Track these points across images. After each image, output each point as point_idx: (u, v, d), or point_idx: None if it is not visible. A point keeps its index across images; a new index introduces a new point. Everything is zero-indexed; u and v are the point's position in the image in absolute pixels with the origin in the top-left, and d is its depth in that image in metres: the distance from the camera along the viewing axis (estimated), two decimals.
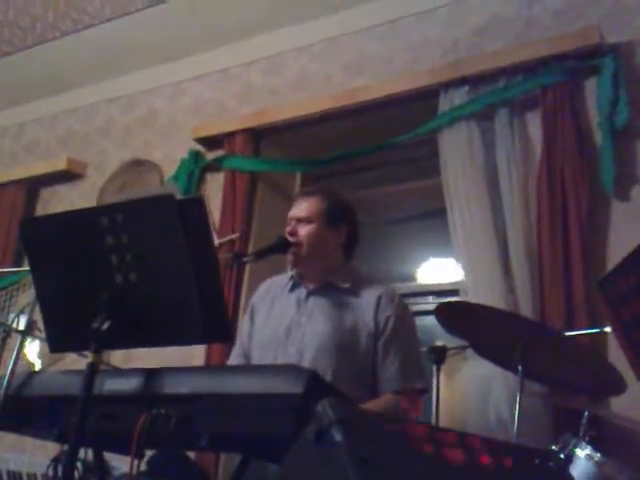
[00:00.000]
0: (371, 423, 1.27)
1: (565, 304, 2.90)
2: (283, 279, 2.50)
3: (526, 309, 2.98)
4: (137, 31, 4.54)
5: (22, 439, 3.67)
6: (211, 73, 4.55)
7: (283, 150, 4.21)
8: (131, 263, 1.54)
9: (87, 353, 1.52)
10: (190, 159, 4.27)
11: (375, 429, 1.25)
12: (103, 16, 4.50)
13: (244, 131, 4.12)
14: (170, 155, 4.46)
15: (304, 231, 2.35)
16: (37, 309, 1.82)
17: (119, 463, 2.60)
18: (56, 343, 1.74)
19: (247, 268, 3.88)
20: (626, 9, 3.23)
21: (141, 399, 1.52)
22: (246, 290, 3.82)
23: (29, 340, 3.50)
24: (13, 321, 3.04)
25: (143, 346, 1.67)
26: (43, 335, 1.83)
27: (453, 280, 3.61)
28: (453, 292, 3.44)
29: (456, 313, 2.61)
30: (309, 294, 2.37)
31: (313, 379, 1.38)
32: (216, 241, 3.84)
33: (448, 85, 3.50)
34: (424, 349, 2.76)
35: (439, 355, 2.81)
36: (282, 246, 2.37)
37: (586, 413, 2.23)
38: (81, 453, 1.59)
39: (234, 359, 2.47)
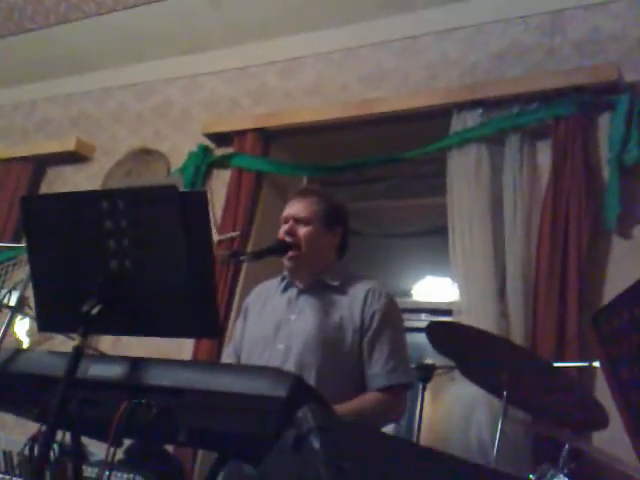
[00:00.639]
0: (351, 433, 1.27)
1: (557, 334, 2.90)
2: (275, 281, 2.51)
3: (517, 336, 2.97)
4: (159, 20, 4.55)
5: (3, 416, 3.66)
6: (228, 70, 4.56)
7: (292, 153, 4.22)
8: (128, 250, 1.54)
9: (74, 336, 1.51)
10: (198, 153, 4.28)
11: (354, 439, 1.25)
12: (127, 2, 4.51)
13: (255, 131, 4.13)
14: (179, 147, 4.47)
15: (303, 232, 2.36)
16: (30, 287, 1.81)
17: (97, 449, 2.59)
18: (45, 322, 1.73)
19: (244, 268, 3.89)
20: None
21: (123, 387, 1.51)
22: (241, 290, 3.82)
23: (19, 317, 3.50)
24: (4, 297, 3.04)
25: (131, 334, 1.66)
26: (33, 313, 1.83)
27: (448, 300, 3.61)
28: (446, 312, 3.43)
29: (447, 333, 2.61)
30: (300, 293, 2.38)
31: (298, 384, 1.38)
32: (216, 237, 3.85)
33: (462, 106, 3.50)
34: (412, 366, 2.76)
35: (426, 373, 2.81)
36: (281, 249, 2.37)
37: (567, 445, 2.23)
38: (59, 435, 1.59)
39: (226, 358, 2.49)
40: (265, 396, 1.35)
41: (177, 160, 4.40)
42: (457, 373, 2.86)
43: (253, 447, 1.51)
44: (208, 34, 4.51)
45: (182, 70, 4.73)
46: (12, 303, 3.14)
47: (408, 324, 2.47)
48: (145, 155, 4.61)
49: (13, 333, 3.93)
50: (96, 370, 1.57)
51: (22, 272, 4.14)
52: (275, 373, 1.42)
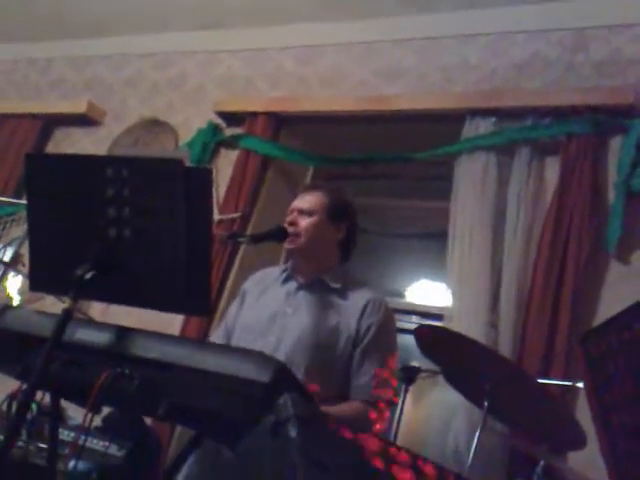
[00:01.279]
0: (328, 426, 1.27)
1: (545, 349, 2.91)
2: (277, 270, 2.50)
3: (505, 347, 2.98)
4: None
5: None
6: (247, 50, 4.54)
7: (301, 141, 4.21)
8: (128, 219, 1.54)
9: (65, 298, 1.51)
10: (208, 131, 4.26)
11: (330, 433, 1.25)
12: None
13: (267, 114, 4.12)
14: (189, 121, 4.46)
15: (304, 223, 2.35)
16: (26, 245, 1.81)
17: (75, 413, 2.60)
18: (37, 282, 1.73)
19: (240, 251, 3.88)
20: None
21: (109, 355, 1.51)
22: (236, 272, 3.82)
23: (12, 274, 3.50)
24: None
25: (123, 304, 1.66)
26: (27, 271, 1.82)
27: (440, 305, 3.61)
28: (437, 316, 3.43)
29: (435, 337, 2.61)
30: (299, 287, 2.37)
31: (281, 371, 1.38)
32: (217, 216, 3.84)
33: (476, 112, 3.50)
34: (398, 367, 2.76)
35: (410, 375, 2.80)
36: (280, 234, 2.36)
37: (542, 462, 2.23)
38: (39, 396, 1.59)
39: (216, 339, 2.46)
40: (248, 379, 1.35)
41: (186, 134, 4.38)
42: (441, 378, 2.87)
43: (231, 429, 1.51)
44: (231, 11, 4.49)
45: (201, 45, 4.71)
46: (6, 259, 3.14)
47: (398, 325, 2.46)
48: (154, 126, 4.60)
49: (4, 289, 3.93)
50: (83, 335, 1.56)
51: (20, 229, 4.13)
52: (261, 358, 1.42)
